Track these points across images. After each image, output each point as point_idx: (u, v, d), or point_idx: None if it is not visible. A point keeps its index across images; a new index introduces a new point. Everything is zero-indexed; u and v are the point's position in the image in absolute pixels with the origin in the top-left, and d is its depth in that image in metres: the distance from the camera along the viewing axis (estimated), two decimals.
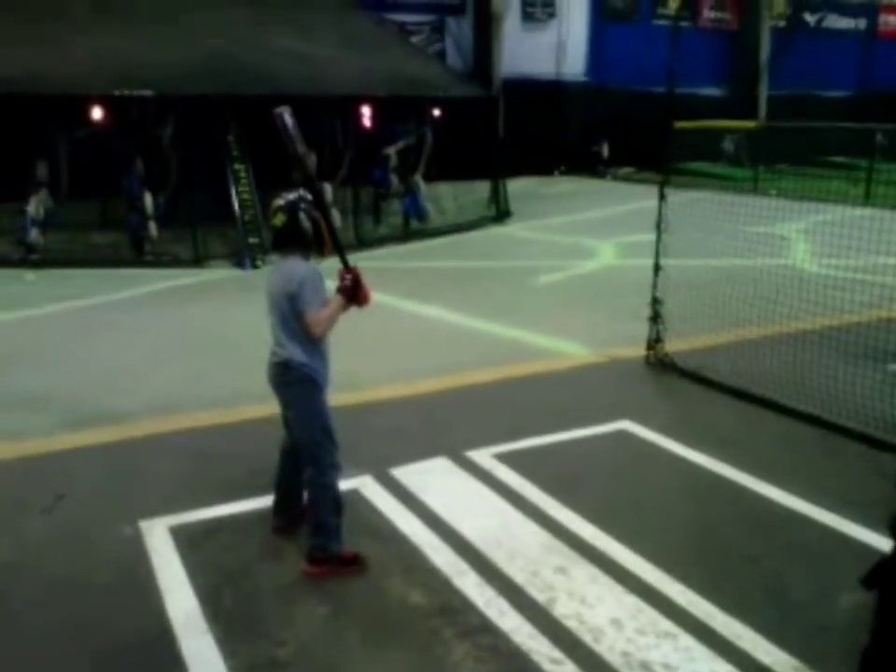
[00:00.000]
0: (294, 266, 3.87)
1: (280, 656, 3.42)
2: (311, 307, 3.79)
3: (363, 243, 13.11)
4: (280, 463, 4.29)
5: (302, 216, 3.86)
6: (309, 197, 3.94)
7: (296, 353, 3.87)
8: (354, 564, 4.01)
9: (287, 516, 4.37)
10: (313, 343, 3.89)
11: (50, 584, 3.94)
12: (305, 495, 4.21)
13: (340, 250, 3.99)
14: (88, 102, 11.79)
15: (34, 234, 12.08)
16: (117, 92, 11.72)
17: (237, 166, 12.55)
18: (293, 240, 3.88)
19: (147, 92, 11.73)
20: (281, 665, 3.37)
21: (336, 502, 4.00)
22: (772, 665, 3.34)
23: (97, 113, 11.89)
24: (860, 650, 2.71)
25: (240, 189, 12.44)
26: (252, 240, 12.09)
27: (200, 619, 3.64)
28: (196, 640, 3.50)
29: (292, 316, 3.84)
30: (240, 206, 12.36)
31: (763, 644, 3.46)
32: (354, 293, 3.90)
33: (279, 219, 3.88)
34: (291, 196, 3.92)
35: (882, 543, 4.16)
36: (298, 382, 3.91)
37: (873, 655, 2.66)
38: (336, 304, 3.87)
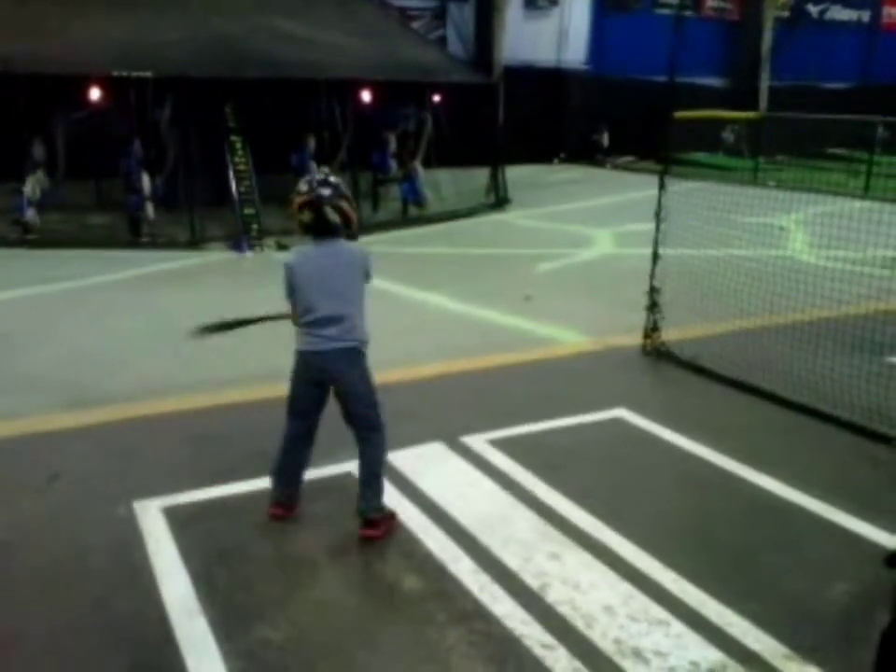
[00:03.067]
0: (351, 246, 4.06)
1: (274, 639, 3.43)
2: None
3: (362, 227, 13.04)
4: (291, 450, 4.22)
5: (328, 210, 3.88)
6: (332, 180, 3.97)
7: (364, 332, 4.04)
8: (394, 517, 4.24)
9: (291, 503, 4.33)
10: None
11: (44, 564, 3.94)
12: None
13: None
14: (86, 82, 11.72)
15: (30, 214, 12.03)
16: (116, 73, 11.64)
17: (233, 137, 12.50)
18: (329, 230, 3.94)
19: (147, 74, 11.65)
20: (275, 647, 3.38)
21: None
22: (762, 652, 3.36)
23: (95, 93, 11.82)
24: (878, 630, 2.69)
25: (236, 159, 12.38)
26: (247, 210, 12.04)
27: (193, 601, 3.65)
28: (190, 623, 3.51)
29: (362, 294, 4.01)
30: (236, 178, 12.29)
31: (754, 632, 3.48)
32: None
33: (307, 216, 3.90)
34: (312, 188, 3.90)
35: (873, 533, 4.20)
36: (361, 358, 4.07)
37: (893, 635, 2.64)
38: None
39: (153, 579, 3.81)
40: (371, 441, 4.12)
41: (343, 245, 4.01)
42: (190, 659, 3.30)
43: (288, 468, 4.26)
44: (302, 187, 3.92)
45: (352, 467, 4.80)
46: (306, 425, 4.17)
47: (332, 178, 4.00)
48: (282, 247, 10.68)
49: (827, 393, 5.76)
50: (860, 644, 3.24)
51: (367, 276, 4.04)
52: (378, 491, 4.11)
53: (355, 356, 4.01)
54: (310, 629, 3.50)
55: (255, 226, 11.91)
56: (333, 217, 3.88)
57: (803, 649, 3.37)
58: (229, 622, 3.52)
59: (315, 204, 3.86)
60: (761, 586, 3.83)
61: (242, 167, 12.40)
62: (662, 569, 3.91)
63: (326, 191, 3.87)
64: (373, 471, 4.12)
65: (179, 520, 4.30)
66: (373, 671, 3.25)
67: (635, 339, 7.17)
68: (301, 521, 4.21)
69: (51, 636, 3.46)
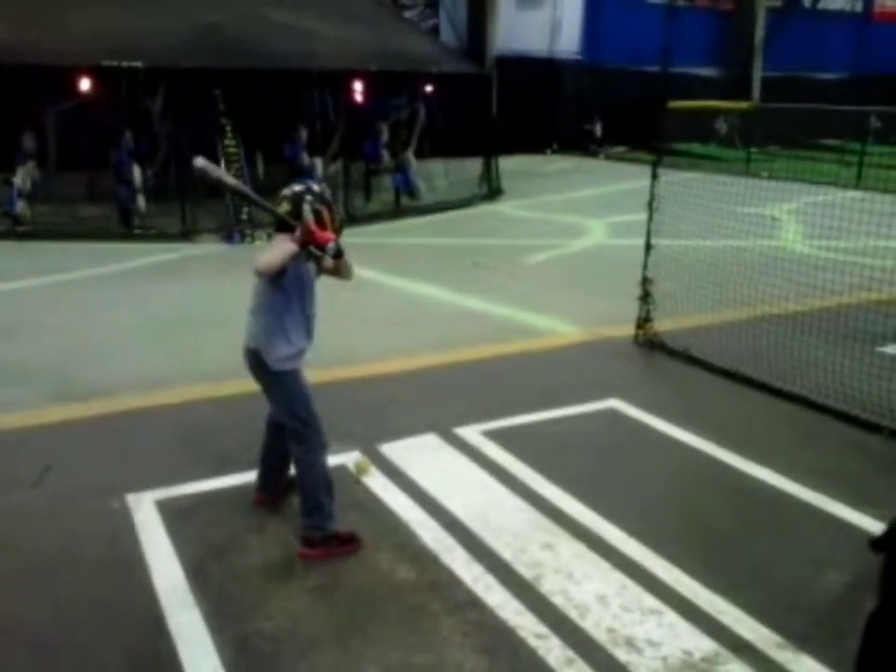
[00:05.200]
0: (274, 241, 3.86)
1: (266, 630, 3.43)
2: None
3: (354, 218, 13.04)
4: (266, 436, 4.30)
5: (306, 207, 3.80)
6: (316, 188, 3.92)
7: (264, 343, 3.85)
8: (350, 542, 4.00)
9: (270, 490, 4.38)
10: (284, 325, 3.84)
11: (37, 557, 3.93)
12: (292, 470, 4.22)
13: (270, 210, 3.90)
14: (77, 72, 11.63)
15: (20, 206, 11.94)
16: (106, 63, 11.55)
17: (223, 120, 12.46)
18: (294, 230, 3.79)
19: (138, 64, 11.57)
20: (267, 638, 3.38)
21: (327, 482, 3.99)
22: (755, 641, 3.38)
23: (86, 84, 11.74)
24: (866, 615, 2.71)
25: (226, 142, 12.34)
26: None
27: (186, 593, 3.65)
28: (183, 614, 3.51)
29: (268, 304, 3.83)
30: (226, 161, 12.24)
31: (746, 620, 3.50)
32: (305, 238, 3.71)
33: (283, 209, 3.85)
34: (298, 187, 3.90)
35: (864, 522, 4.22)
36: (267, 368, 3.90)
37: (879, 620, 2.65)
38: (286, 245, 3.70)
39: (147, 570, 3.81)
40: (295, 454, 4.04)
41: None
42: (184, 650, 3.30)
43: (266, 455, 4.33)
44: (295, 186, 3.91)
45: (345, 459, 4.82)
46: (275, 415, 4.18)
47: (317, 187, 3.97)
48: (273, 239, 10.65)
49: (819, 383, 5.78)
50: (852, 632, 3.25)
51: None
52: (311, 510, 3.97)
53: (260, 362, 3.90)
54: (303, 620, 3.50)
55: (245, 209, 11.86)
56: (308, 217, 3.80)
57: (795, 637, 3.39)
58: (222, 613, 3.52)
59: (295, 199, 3.83)
60: (753, 575, 3.85)
61: (231, 150, 12.35)
62: (655, 559, 3.92)
63: (309, 196, 3.85)
64: (302, 490, 4.01)
65: (173, 512, 4.30)
66: (367, 661, 3.25)
67: (627, 329, 7.17)
68: (294, 512, 4.20)
69: (45, 627, 3.45)
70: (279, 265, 3.67)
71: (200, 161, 3.80)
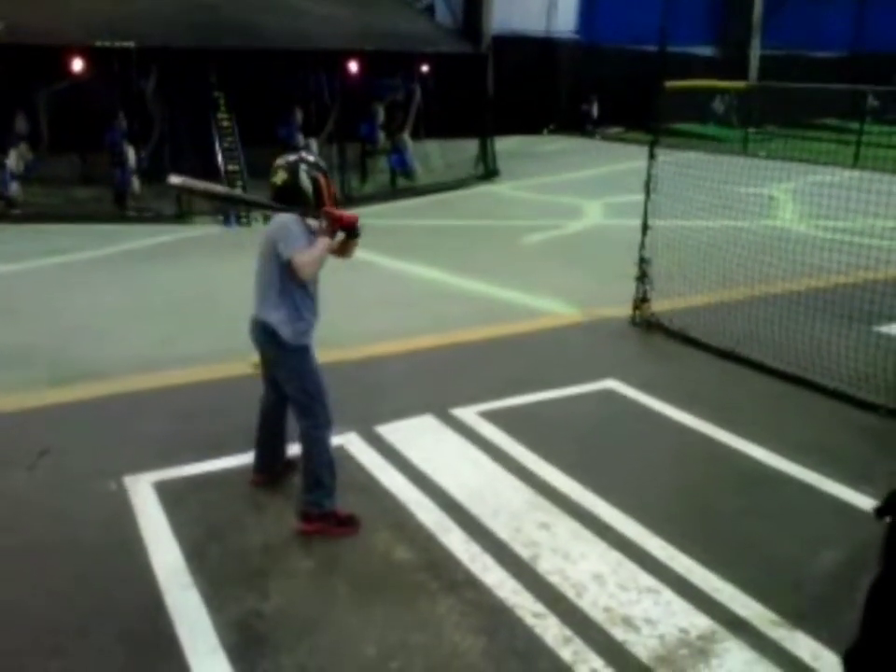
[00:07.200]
0: (281, 217, 3.86)
1: (265, 610, 3.44)
2: (296, 249, 3.72)
3: (350, 200, 12.98)
4: (261, 418, 4.29)
5: (303, 175, 3.84)
6: (311, 158, 3.98)
7: (275, 317, 3.85)
8: (348, 524, 4.01)
9: (268, 471, 4.39)
10: (295, 301, 3.85)
11: (35, 540, 3.93)
12: (290, 451, 4.22)
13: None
14: (69, 53, 11.52)
15: (13, 188, 11.88)
16: (99, 43, 11.44)
17: (216, 93, 12.40)
18: (292, 198, 3.84)
19: (130, 44, 11.47)
20: (266, 618, 3.39)
21: (330, 459, 4.00)
22: (750, 618, 3.40)
23: (78, 64, 11.64)
24: (867, 583, 2.71)
25: (219, 115, 12.28)
26: (231, 167, 11.94)
27: (185, 573, 3.66)
28: (181, 594, 3.52)
29: (277, 280, 3.81)
30: (219, 134, 12.18)
31: (742, 598, 3.51)
32: (333, 226, 3.79)
33: (279, 177, 3.87)
34: (292, 157, 3.95)
35: (860, 500, 4.24)
36: (280, 342, 3.89)
37: (882, 586, 2.66)
38: (321, 243, 3.75)
39: (145, 551, 3.81)
40: (301, 429, 4.00)
41: (279, 219, 3.87)
42: (182, 630, 3.31)
43: (262, 437, 4.32)
44: (289, 157, 3.97)
45: (343, 440, 4.82)
46: (273, 393, 4.15)
47: (312, 158, 4.05)
48: (269, 220, 10.62)
49: (816, 362, 5.79)
50: (846, 610, 3.27)
51: (278, 256, 3.75)
52: (311, 486, 3.96)
53: (271, 335, 3.88)
54: (301, 600, 3.51)
55: (239, 183, 11.80)
56: (306, 183, 3.84)
57: (790, 615, 3.41)
58: (220, 593, 3.53)
59: (291, 168, 3.87)
60: (749, 554, 3.87)
61: (225, 123, 12.28)
62: (651, 538, 3.94)
63: (304, 165, 3.89)
64: (305, 466, 4.01)
65: (170, 494, 4.30)
66: (365, 641, 3.27)
67: (624, 310, 7.17)
68: (291, 493, 4.21)
69: (44, 609, 3.46)
70: (321, 265, 3.76)
71: (174, 179, 3.83)
